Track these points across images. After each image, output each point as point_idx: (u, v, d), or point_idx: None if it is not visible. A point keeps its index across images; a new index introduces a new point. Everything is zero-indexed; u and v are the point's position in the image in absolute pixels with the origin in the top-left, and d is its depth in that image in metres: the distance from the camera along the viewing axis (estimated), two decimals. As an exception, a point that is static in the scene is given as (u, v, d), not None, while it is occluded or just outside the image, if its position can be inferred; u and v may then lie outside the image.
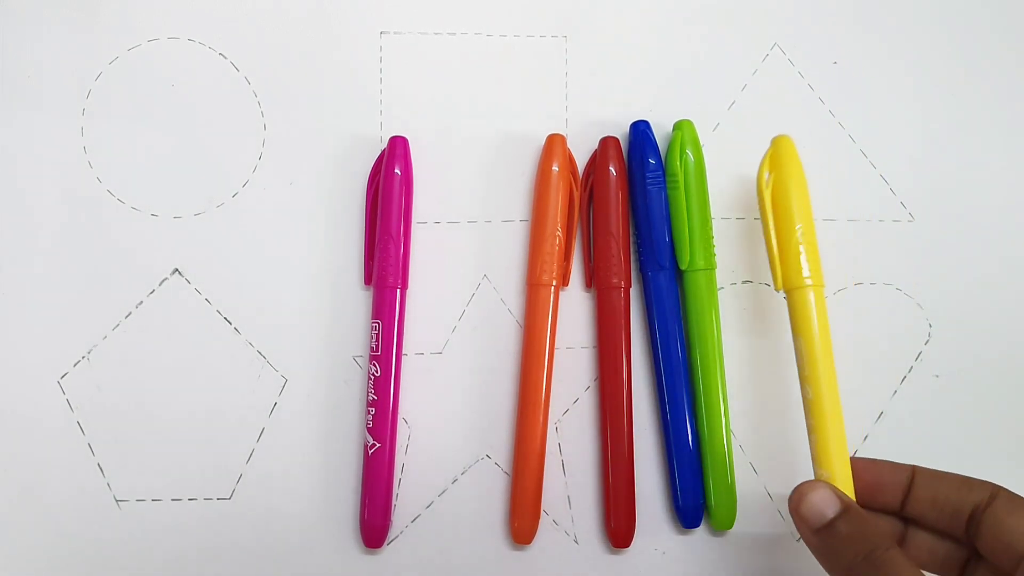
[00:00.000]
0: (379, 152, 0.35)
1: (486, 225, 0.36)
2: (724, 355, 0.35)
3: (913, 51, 0.38)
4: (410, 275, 0.35)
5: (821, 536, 0.28)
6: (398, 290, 0.34)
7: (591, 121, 0.36)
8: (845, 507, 0.28)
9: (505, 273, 0.36)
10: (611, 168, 0.34)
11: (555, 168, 0.34)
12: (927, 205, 0.37)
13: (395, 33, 0.36)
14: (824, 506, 0.28)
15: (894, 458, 0.35)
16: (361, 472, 0.34)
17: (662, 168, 0.35)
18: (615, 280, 0.34)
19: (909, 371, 0.36)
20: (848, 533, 0.27)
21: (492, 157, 0.36)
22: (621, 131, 0.36)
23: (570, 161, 0.35)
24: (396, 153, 0.34)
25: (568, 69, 0.36)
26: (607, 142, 0.35)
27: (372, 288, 0.34)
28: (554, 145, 0.35)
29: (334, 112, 0.35)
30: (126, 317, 0.34)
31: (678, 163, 0.34)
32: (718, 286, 0.35)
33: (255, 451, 0.34)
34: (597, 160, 0.35)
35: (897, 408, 0.36)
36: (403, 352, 0.34)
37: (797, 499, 0.28)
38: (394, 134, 0.35)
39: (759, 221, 0.36)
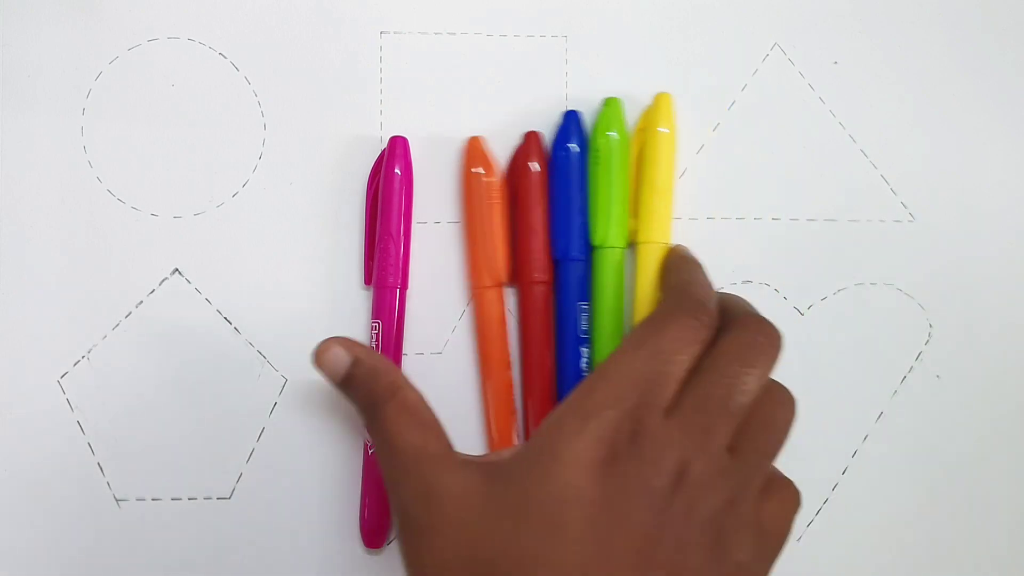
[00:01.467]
0: (379, 152, 0.35)
1: (486, 225, 0.36)
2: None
3: (914, 51, 0.38)
4: (410, 275, 0.35)
5: (343, 388, 0.29)
6: (398, 290, 0.34)
7: (591, 117, 0.36)
8: (355, 359, 0.29)
9: (505, 273, 0.36)
10: (530, 163, 0.34)
11: (477, 170, 0.34)
12: (928, 205, 0.37)
13: (395, 33, 0.36)
14: (337, 361, 0.29)
15: (896, 459, 0.36)
16: (361, 472, 0.34)
17: (583, 157, 0.34)
18: (537, 275, 0.34)
19: (909, 371, 0.36)
20: (358, 384, 0.29)
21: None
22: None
23: (493, 160, 0.35)
24: (396, 153, 0.34)
25: (568, 69, 0.36)
26: (529, 137, 0.35)
27: (372, 288, 0.34)
28: (474, 148, 0.34)
29: (334, 112, 0.35)
30: (126, 317, 0.34)
31: (601, 140, 0.34)
32: (718, 286, 0.35)
33: (255, 451, 0.34)
34: (518, 156, 0.35)
35: (897, 408, 0.36)
36: (403, 352, 0.34)
37: (316, 356, 0.29)
38: (394, 134, 0.35)
39: (759, 221, 0.36)
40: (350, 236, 0.35)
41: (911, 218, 0.37)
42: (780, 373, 0.36)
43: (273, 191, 0.35)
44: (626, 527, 0.24)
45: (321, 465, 0.34)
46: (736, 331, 0.28)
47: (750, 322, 0.29)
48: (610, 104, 0.35)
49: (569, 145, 0.34)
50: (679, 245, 0.34)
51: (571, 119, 0.35)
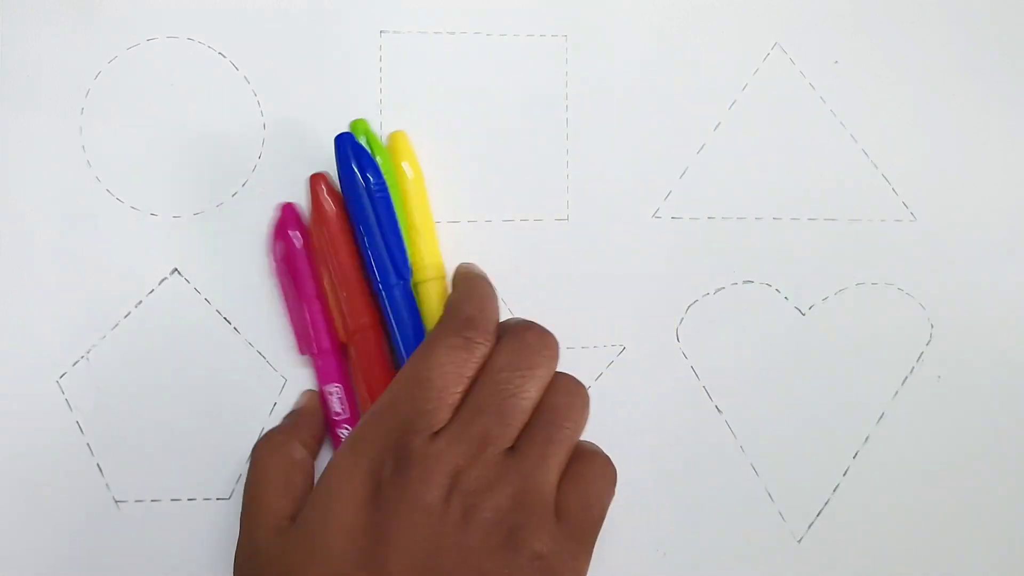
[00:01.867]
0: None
1: (486, 224, 0.36)
2: (717, 355, 0.35)
3: (915, 50, 0.38)
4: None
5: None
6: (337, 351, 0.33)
7: (590, 118, 0.36)
8: (306, 401, 0.33)
9: (505, 273, 0.35)
10: (325, 207, 0.33)
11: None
12: (929, 205, 0.37)
13: (395, 32, 0.36)
14: (300, 398, 0.33)
15: (897, 460, 0.36)
16: (360, 472, 0.34)
17: (381, 178, 0.32)
18: (364, 320, 0.33)
19: (911, 372, 0.36)
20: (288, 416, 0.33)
21: (492, 156, 0.36)
22: (623, 122, 0.36)
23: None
24: (289, 221, 0.33)
25: (568, 68, 0.36)
26: (316, 180, 0.33)
27: (311, 356, 0.33)
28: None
29: (334, 112, 0.35)
30: (125, 317, 0.34)
31: (398, 171, 0.33)
32: (719, 285, 0.35)
33: (254, 451, 0.34)
34: (312, 204, 0.33)
35: (898, 409, 0.36)
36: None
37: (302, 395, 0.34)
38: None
39: (759, 220, 0.36)
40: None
41: (912, 218, 0.37)
42: (782, 373, 0.36)
43: (273, 191, 0.35)
44: (400, 548, 0.25)
45: (320, 465, 0.34)
46: (505, 339, 0.28)
47: (519, 328, 0.29)
48: (359, 127, 0.33)
49: (367, 173, 0.32)
50: (462, 264, 0.34)
51: (343, 144, 0.32)
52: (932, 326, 0.37)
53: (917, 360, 0.36)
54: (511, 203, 0.36)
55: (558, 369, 0.29)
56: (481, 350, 0.28)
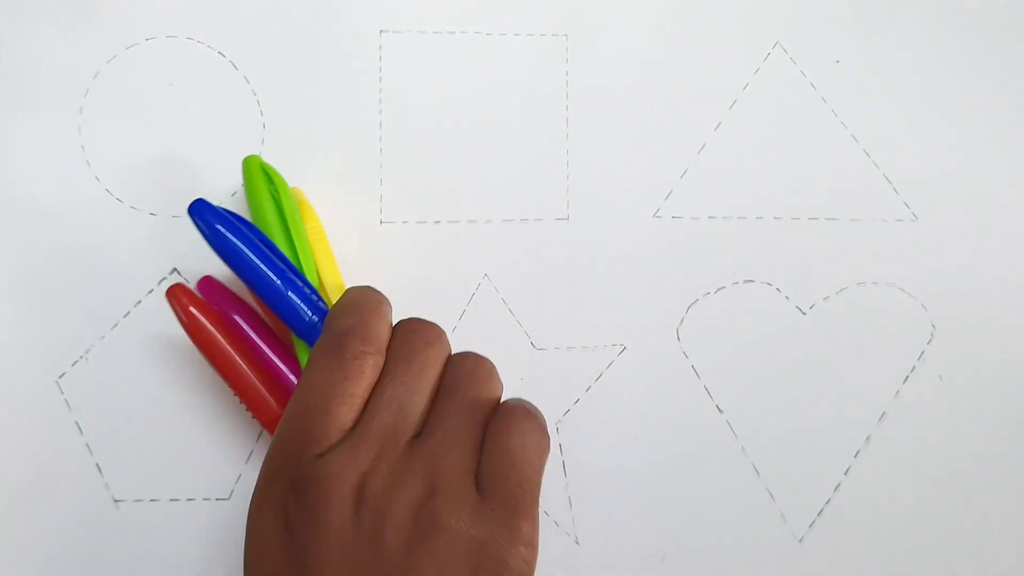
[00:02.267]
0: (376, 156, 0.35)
1: (486, 225, 0.36)
2: (717, 355, 0.35)
3: (916, 49, 0.38)
4: (413, 275, 0.34)
5: None
6: None
7: (591, 118, 0.36)
8: None
9: (505, 273, 0.35)
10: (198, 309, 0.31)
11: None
12: (931, 204, 0.37)
13: (395, 32, 0.36)
14: None
15: (898, 460, 0.36)
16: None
17: (252, 233, 0.29)
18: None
19: (912, 371, 0.36)
20: None
21: (492, 156, 0.36)
22: (623, 122, 0.36)
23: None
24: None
25: (569, 68, 0.36)
26: (173, 293, 0.30)
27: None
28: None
29: (333, 111, 0.35)
30: (124, 317, 0.34)
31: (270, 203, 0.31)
32: (719, 285, 0.35)
33: (254, 451, 0.34)
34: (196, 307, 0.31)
35: (900, 409, 0.36)
36: None
37: None
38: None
39: (760, 220, 0.36)
40: (350, 234, 0.35)
41: (914, 217, 0.37)
42: (782, 373, 0.36)
43: (272, 190, 0.35)
44: None
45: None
46: (392, 335, 0.27)
47: (401, 322, 0.27)
48: (253, 163, 0.32)
49: (238, 230, 0.28)
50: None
51: (199, 213, 0.28)
52: (933, 326, 0.36)
53: (918, 359, 0.36)
54: (511, 203, 0.36)
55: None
56: (364, 361, 0.26)
